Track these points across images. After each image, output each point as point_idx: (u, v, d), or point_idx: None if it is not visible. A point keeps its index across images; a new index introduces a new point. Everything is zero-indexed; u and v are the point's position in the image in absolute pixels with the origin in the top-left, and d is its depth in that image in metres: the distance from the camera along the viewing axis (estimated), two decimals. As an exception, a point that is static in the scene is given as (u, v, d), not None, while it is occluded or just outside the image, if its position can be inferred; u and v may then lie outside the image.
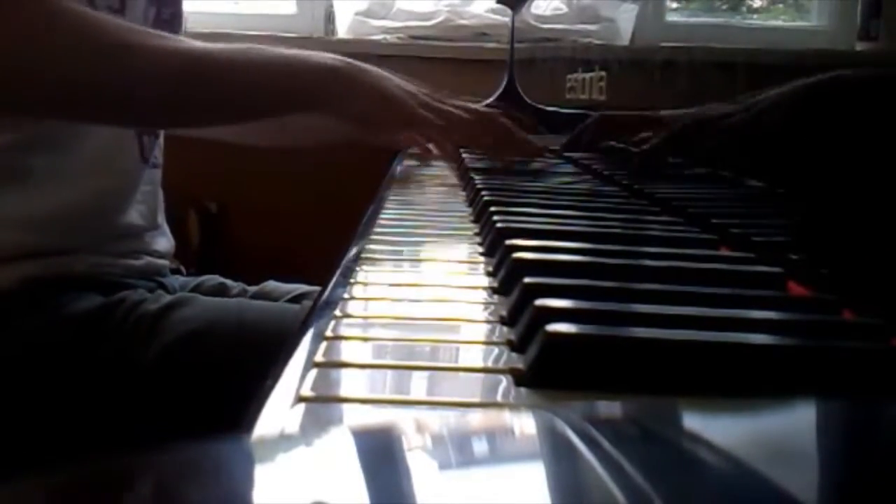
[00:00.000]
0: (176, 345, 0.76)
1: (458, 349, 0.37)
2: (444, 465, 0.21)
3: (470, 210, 0.69)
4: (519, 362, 0.33)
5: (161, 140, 0.92)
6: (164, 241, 0.93)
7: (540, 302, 0.36)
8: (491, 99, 1.29)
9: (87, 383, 0.75)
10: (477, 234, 0.59)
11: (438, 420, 0.27)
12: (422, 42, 1.99)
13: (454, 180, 0.89)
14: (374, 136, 1.01)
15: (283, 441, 0.25)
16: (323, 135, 1.01)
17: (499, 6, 1.77)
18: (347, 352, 0.35)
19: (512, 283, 0.41)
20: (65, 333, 0.76)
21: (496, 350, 0.35)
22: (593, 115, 1.00)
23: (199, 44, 0.78)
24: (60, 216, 0.81)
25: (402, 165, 1.00)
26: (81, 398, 0.74)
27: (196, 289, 0.94)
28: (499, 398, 0.31)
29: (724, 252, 0.53)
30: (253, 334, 0.77)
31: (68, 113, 0.76)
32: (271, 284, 1.00)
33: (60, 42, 0.71)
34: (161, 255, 0.92)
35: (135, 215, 0.88)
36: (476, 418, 0.29)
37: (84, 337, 0.76)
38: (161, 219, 0.94)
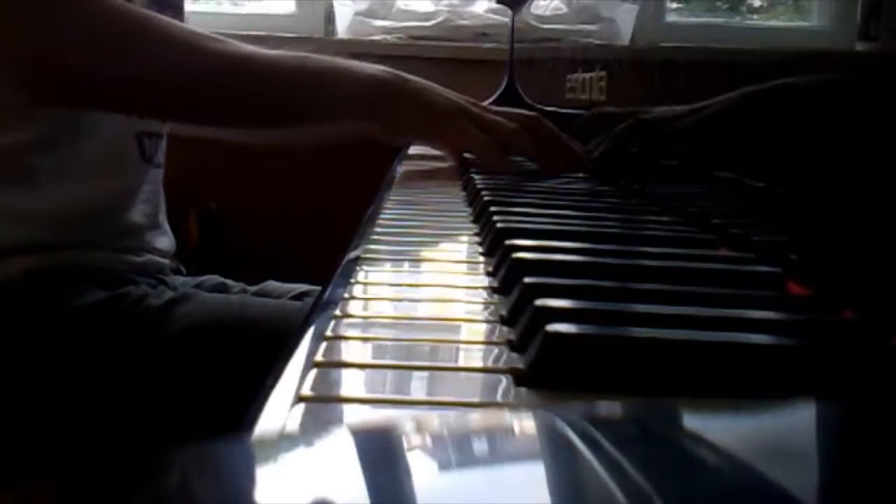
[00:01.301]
0: (179, 340, 0.77)
1: (458, 349, 0.37)
2: (444, 465, 0.21)
3: (470, 210, 0.69)
4: (519, 362, 0.33)
5: (164, 141, 0.93)
6: (165, 240, 0.93)
7: (540, 302, 0.36)
8: (491, 99, 1.29)
9: (90, 377, 0.75)
10: (477, 234, 0.59)
11: (438, 420, 0.27)
12: (422, 42, 1.99)
13: (454, 180, 0.89)
14: (399, 140, 0.99)
15: (283, 441, 0.25)
16: (335, 134, 0.96)
17: (499, 6, 1.77)
18: (347, 352, 0.35)
19: (512, 283, 0.41)
20: (68, 327, 0.76)
21: (496, 350, 0.35)
22: (585, 113, 1.00)
23: (245, 46, 0.79)
24: (64, 213, 0.81)
25: (402, 165, 1.00)
26: (83, 391, 0.75)
27: (197, 288, 0.95)
28: (499, 398, 0.31)
29: (724, 252, 0.53)
30: (255, 329, 0.77)
31: (107, 103, 0.78)
32: (271, 284, 1.00)
33: (109, 36, 0.73)
34: (162, 254, 0.92)
35: (137, 214, 0.88)
36: (476, 418, 0.29)
37: (87, 331, 0.76)
38: (162, 218, 0.94)
